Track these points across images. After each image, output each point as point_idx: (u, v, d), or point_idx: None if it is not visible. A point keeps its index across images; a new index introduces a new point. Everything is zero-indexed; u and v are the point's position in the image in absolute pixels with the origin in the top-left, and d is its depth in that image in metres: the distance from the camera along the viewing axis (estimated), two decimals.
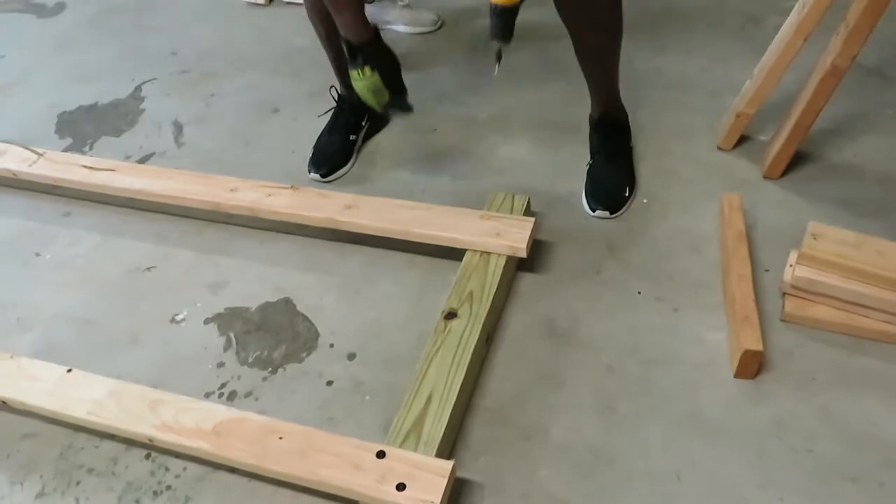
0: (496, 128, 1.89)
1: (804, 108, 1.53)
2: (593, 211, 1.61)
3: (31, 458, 1.28)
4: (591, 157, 1.69)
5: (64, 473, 1.26)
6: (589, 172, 1.67)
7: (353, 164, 1.81)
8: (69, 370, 1.30)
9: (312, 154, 1.81)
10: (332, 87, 1.87)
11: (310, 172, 1.78)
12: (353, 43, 1.50)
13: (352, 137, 1.83)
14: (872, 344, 1.32)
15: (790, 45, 1.53)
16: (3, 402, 1.30)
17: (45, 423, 1.31)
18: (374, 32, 1.53)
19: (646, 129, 1.82)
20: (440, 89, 2.03)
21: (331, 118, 1.87)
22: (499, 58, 1.27)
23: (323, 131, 1.85)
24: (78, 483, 1.24)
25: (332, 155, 1.80)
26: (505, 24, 1.19)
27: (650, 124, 1.84)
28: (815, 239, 1.34)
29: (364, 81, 1.53)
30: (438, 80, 2.07)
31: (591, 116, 1.71)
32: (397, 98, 1.62)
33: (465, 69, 2.12)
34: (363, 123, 1.86)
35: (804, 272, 1.33)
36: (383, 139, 1.89)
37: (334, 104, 1.87)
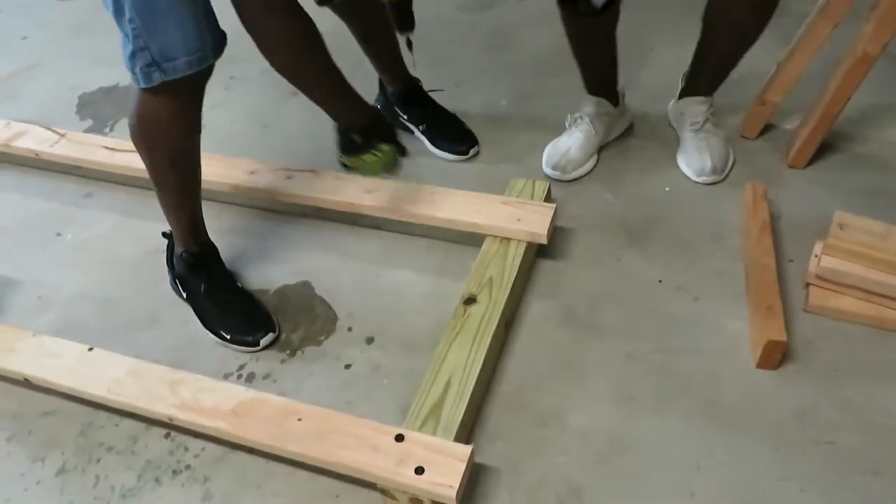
0: (517, 114, 1.88)
1: (832, 96, 1.51)
2: (465, 154, 1.74)
3: (52, 434, 1.29)
4: (421, 123, 1.78)
5: (84, 451, 1.27)
6: (429, 132, 1.78)
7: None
8: (90, 348, 1.31)
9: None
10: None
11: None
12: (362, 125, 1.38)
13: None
14: None
15: (818, 31, 1.50)
16: (25, 379, 1.31)
17: (66, 401, 1.32)
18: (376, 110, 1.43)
19: (669, 117, 1.80)
20: (460, 75, 2.02)
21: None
22: (409, 46, 1.31)
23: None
24: (98, 461, 1.25)
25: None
26: (400, 16, 1.26)
27: None
28: (841, 229, 1.32)
29: (382, 158, 1.39)
30: (459, 66, 2.06)
31: (393, 93, 1.78)
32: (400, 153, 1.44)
33: (486, 55, 2.11)
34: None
35: (830, 262, 1.31)
36: None
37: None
